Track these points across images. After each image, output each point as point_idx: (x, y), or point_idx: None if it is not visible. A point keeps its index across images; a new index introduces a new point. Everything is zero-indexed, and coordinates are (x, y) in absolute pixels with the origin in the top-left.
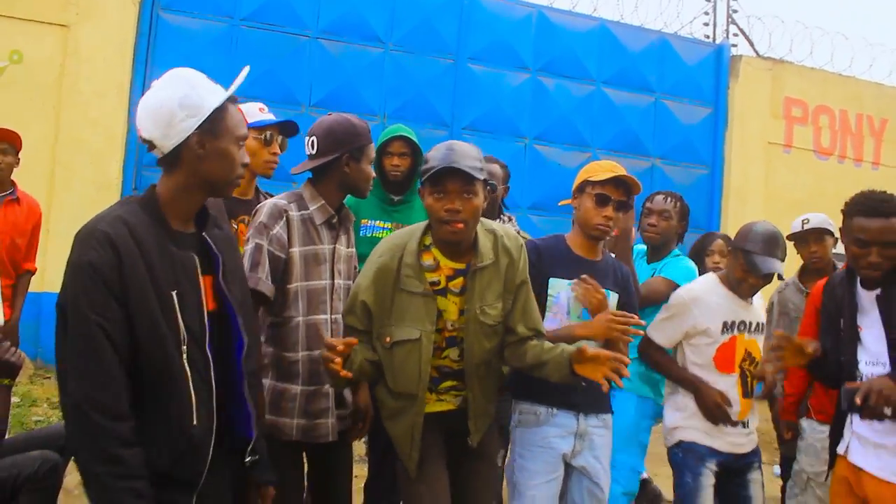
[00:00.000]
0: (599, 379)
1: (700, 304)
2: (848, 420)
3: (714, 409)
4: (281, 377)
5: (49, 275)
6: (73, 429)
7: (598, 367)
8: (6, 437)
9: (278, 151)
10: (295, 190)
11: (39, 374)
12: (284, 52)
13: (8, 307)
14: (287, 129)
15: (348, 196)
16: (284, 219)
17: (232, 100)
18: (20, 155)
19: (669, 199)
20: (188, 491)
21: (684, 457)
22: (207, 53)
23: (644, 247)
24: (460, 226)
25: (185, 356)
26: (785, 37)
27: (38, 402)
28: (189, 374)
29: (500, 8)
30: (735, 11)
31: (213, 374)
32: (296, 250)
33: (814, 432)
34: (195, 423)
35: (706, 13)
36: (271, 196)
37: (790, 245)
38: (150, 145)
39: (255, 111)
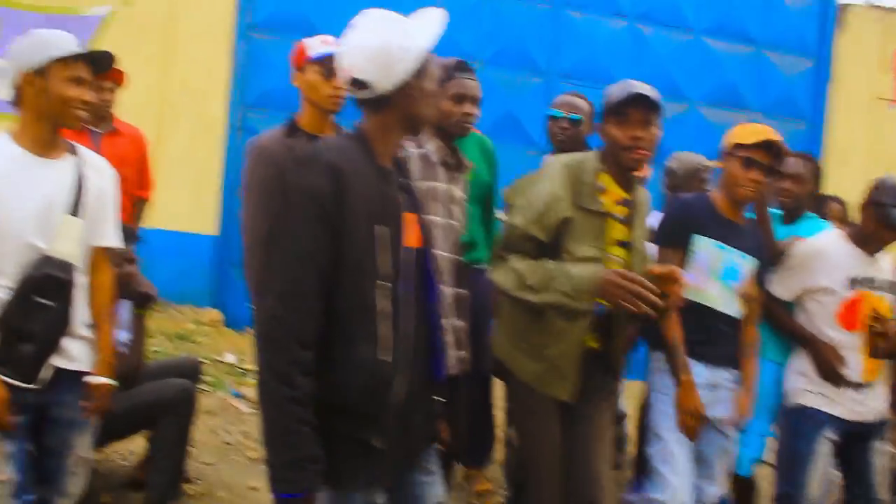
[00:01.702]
0: None
1: (822, 259)
2: None
3: (826, 366)
4: None
5: (158, 211)
6: (262, 341)
7: None
8: None
9: (341, 85)
10: None
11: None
12: None
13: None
14: None
15: None
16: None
17: None
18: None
19: (802, 161)
20: (372, 427)
21: (800, 421)
22: None
23: (779, 211)
24: (643, 152)
25: (380, 292)
26: None
27: (154, 335)
28: (383, 309)
29: None
30: None
31: (404, 311)
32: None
33: None
34: (383, 357)
35: None
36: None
37: None
38: (359, 86)
39: (318, 43)
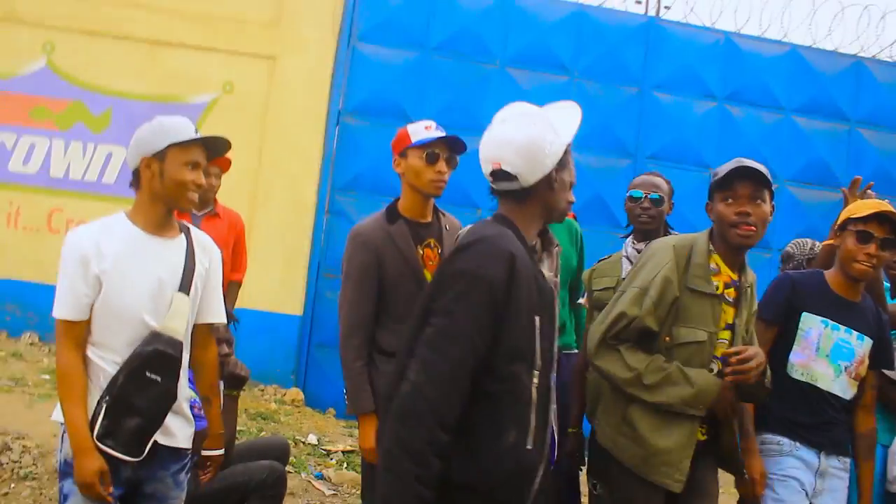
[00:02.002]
0: None
1: None
2: None
3: None
4: None
5: (247, 290)
6: (402, 414)
7: None
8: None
9: (444, 170)
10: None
11: None
12: (472, 81)
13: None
14: (454, 146)
15: None
16: None
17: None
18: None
19: None
20: None
21: None
22: (399, 81)
23: (889, 283)
24: (751, 228)
25: (535, 381)
26: None
27: (237, 413)
28: (535, 399)
29: (687, 35)
30: None
31: (552, 402)
32: None
33: None
34: (530, 446)
35: None
36: (449, 216)
37: None
38: (505, 178)
39: (422, 130)
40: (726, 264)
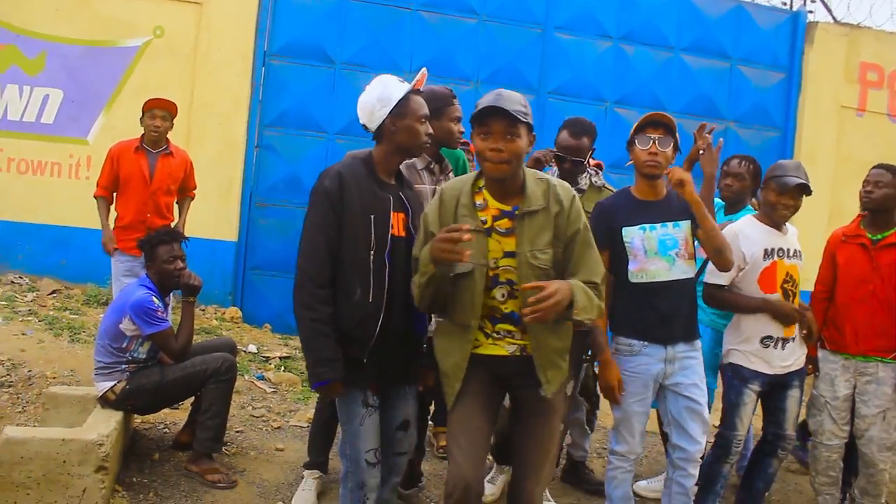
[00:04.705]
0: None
1: (743, 237)
2: None
3: (792, 314)
4: None
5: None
6: (295, 287)
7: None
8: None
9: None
10: None
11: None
12: (388, 24)
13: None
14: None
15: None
16: None
17: (415, 91)
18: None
19: (743, 162)
20: (362, 347)
21: (731, 377)
22: (319, 25)
23: (722, 202)
24: (503, 166)
25: (371, 257)
26: (864, 2)
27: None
28: (372, 268)
29: None
30: None
31: (387, 272)
32: None
33: (827, 362)
34: (370, 300)
35: None
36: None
37: None
38: (365, 127)
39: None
40: (494, 197)
